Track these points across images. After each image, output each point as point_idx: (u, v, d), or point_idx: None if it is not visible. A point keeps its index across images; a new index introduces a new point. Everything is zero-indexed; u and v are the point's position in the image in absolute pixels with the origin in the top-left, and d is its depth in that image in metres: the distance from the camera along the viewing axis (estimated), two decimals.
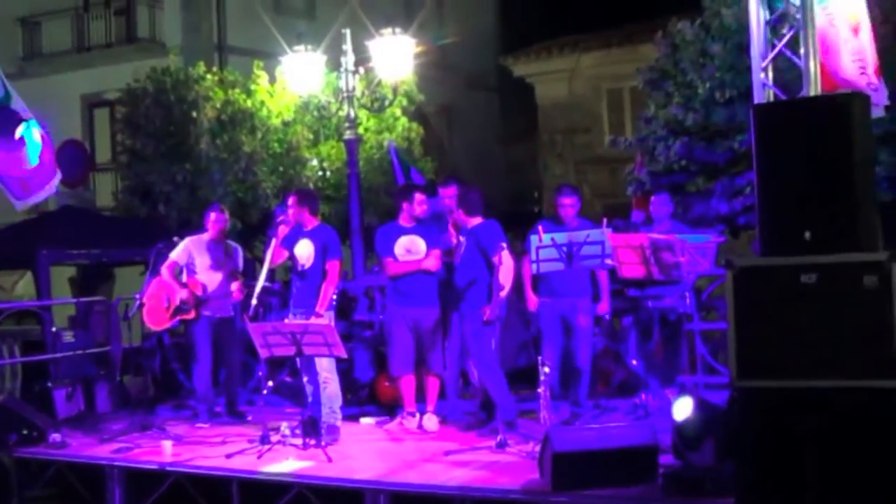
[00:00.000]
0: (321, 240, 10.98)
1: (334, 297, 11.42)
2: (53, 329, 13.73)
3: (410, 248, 11.04)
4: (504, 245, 10.53)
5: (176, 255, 12.08)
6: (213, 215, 12.15)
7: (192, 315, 11.99)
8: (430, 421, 11.01)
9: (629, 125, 24.98)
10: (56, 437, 11.06)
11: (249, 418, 11.87)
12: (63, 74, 27.43)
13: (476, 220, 10.79)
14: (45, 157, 13.33)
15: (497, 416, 10.52)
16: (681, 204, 14.28)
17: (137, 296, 12.19)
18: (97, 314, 14.33)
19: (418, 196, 11.18)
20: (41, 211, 20.96)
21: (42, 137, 13.29)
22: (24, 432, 11.06)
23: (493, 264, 10.53)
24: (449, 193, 11.45)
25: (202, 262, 12.02)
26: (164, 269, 12.10)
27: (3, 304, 15.44)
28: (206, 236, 12.11)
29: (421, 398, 11.23)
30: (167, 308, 12.06)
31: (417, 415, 11.14)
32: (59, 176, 13.50)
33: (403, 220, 11.16)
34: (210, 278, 11.97)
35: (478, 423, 10.94)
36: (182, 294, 11.93)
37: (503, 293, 10.58)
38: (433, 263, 10.99)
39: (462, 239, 10.77)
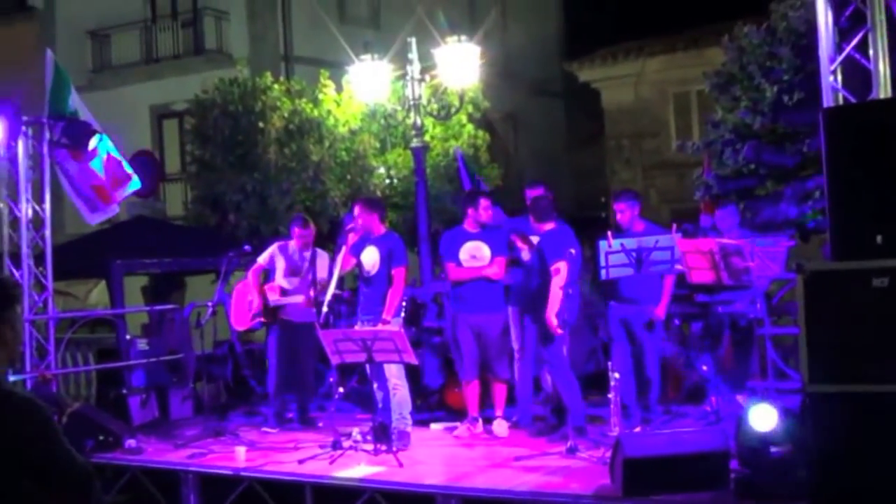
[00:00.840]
0: (387, 246, 11.06)
1: (403, 303, 11.49)
2: (127, 337, 13.91)
3: (475, 254, 11.06)
4: (572, 251, 10.50)
5: (262, 258, 12.29)
6: (295, 230, 12.29)
7: (267, 319, 12.14)
8: (500, 426, 11.04)
9: (696, 129, 24.87)
10: (131, 442, 11.21)
11: (321, 424, 11.96)
12: (132, 86, 27.79)
13: (548, 226, 10.82)
14: (115, 169, 13.48)
15: (567, 422, 10.54)
16: (749, 208, 14.23)
17: (209, 303, 12.33)
18: (170, 322, 14.49)
19: (483, 201, 11.20)
20: (114, 221, 21.27)
21: (111, 151, 13.44)
22: (101, 438, 11.22)
23: (550, 273, 10.58)
24: (535, 194, 11.49)
25: (281, 266, 12.19)
26: (249, 273, 12.29)
27: (78, 313, 15.67)
28: (292, 243, 12.27)
29: (490, 404, 11.27)
30: (249, 310, 12.24)
31: (480, 420, 11.17)
32: (129, 185, 13.62)
33: (469, 226, 11.19)
34: (287, 283, 12.11)
35: (548, 429, 10.96)
36: (256, 299, 12.09)
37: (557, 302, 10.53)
38: (496, 271, 11.00)
39: (532, 246, 10.80)
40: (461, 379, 11.31)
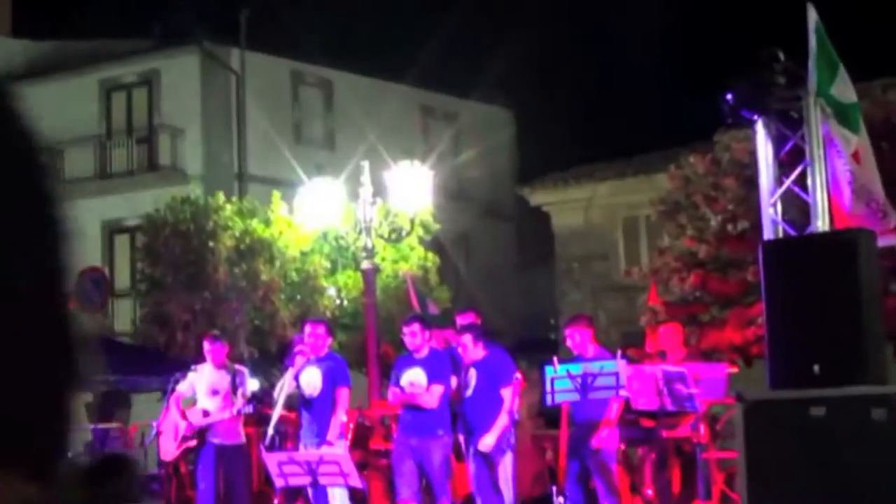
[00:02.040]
0: (328, 367, 11.04)
1: (350, 425, 11.46)
2: (70, 455, 13.75)
3: (413, 381, 11.07)
4: (517, 376, 10.57)
5: (183, 387, 12.22)
6: (206, 345, 12.26)
7: (194, 443, 12.04)
8: None
9: (645, 252, 25.11)
10: None
11: None
12: (85, 200, 27.74)
13: (481, 352, 10.92)
14: None
15: None
16: (694, 334, 14.35)
17: (154, 423, 12.27)
18: (114, 440, 14.39)
19: (404, 328, 11.24)
20: None
21: None
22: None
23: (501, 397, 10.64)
24: (466, 320, 11.58)
25: (201, 388, 12.12)
26: (171, 401, 12.23)
27: None
28: (207, 364, 12.22)
29: None
30: (175, 438, 12.15)
31: None
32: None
33: (413, 351, 11.23)
34: (211, 404, 12.03)
35: None
36: (183, 424, 12.02)
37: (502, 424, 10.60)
38: (429, 400, 10.86)
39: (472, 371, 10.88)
40: (398, 501, 11.27)
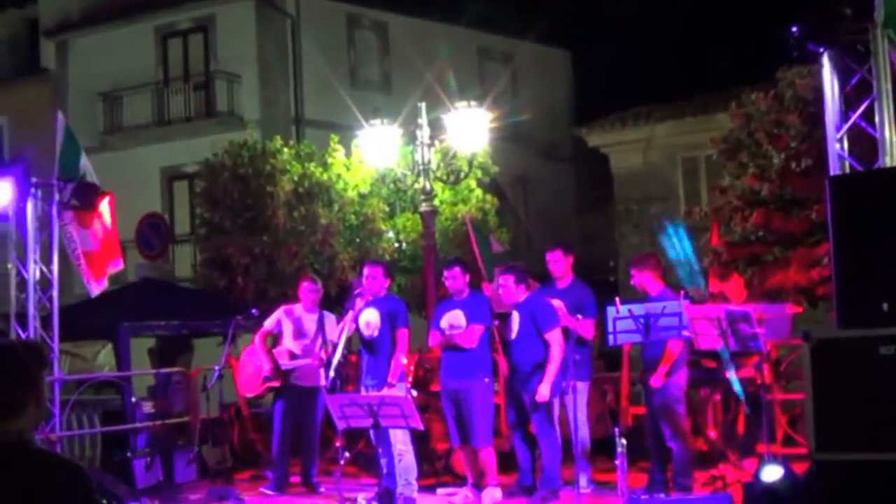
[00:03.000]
0: (387, 308, 11.03)
1: (411, 367, 11.46)
2: (133, 399, 13.88)
3: (453, 323, 11.03)
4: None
5: (268, 323, 12.30)
6: (304, 284, 12.33)
7: (278, 383, 12.12)
8: (488, 496, 10.91)
9: (705, 194, 24.89)
10: None
11: (322, 489, 11.91)
12: (143, 148, 27.97)
13: (522, 295, 10.89)
14: (111, 242, 13.48)
15: (541, 484, 10.75)
16: (757, 275, 14.19)
17: (216, 367, 12.33)
18: (176, 385, 14.47)
19: (445, 271, 11.22)
20: (122, 282, 21.28)
21: (110, 216, 13.42)
22: (105, 502, 11.15)
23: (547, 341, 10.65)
24: (554, 258, 11.52)
25: (288, 330, 12.17)
26: (256, 338, 12.31)
27: (84, 375, 15.64)
28: (298, 306, 12.27)
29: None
30: (258, 375, 12.22)
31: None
32: (114, 265, 13.56)
33: (454, 294, 11.16)
34: (296, 346, 12.08)
35: (521, 490, 11.01)
36: (266, 364, 12.08)
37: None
38: (468, 339, 10.87)
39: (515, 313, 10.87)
40: (452, 445, 11.30)
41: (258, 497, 11.71)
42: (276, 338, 12.38)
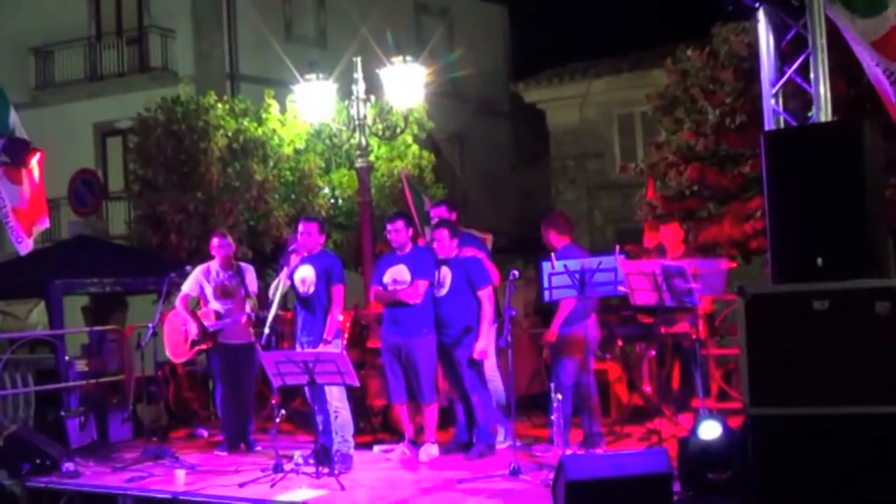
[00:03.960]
0: (322, 265, 10.96)
1: (346, 324, 11.40)
2: (67, 358, 13.73)
3: (396, 277, 11.01)
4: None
5: (187, 286, 12.15)
6: (215, 240, 12.19)
7: (207, 345, 12.03)
8: (426, 451, 10.94)
9: (640, 150, 24.99)
10: (69, 466, 11.07)
11: (258, 447, 11.88)
12: (76, 103, 27.56)
13: (454, 250, 10.97)
14: (38, 198, 13.33)
15: (477, 439, 10.84)
16: (692, 230, 14.26)
17: (150, 324, 12.23)
18: (110, 343, 14.33)
19: (388, 225, 11.18)
20: (55, 239, 21.02)
21: (38, 173, 13.26)
22: (37, 461, 11.06)
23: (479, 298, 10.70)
24: (439, 213, 11.57)
25: (209, 290, 12.06)
26: (178, 303, 12.18)
27: (16, 334, 15.47)
28: (214, 263, 12.15)
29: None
30: (185, 340, 12.11)
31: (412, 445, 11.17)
32: (41, 224, 13.44)
33: (399, 249, 11.15)
34: (220, 305, 11.98)
35: (457, 447, 11.07)
36: (193, 327, 11.98)
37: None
38: (412, 295, 10.84)
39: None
40: (391, 401, 11.31)
41: (199, 458, 11.64)
42: (197, 301, 12.26)
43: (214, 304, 12.02)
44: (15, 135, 12.98)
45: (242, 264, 12.35)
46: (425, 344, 10.85)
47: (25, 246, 13.31)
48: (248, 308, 11.76)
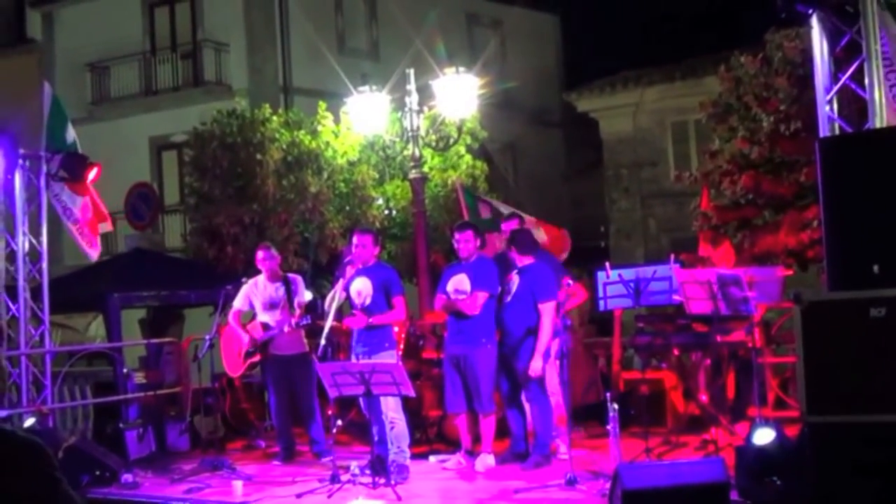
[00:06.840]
0: (380, 277, 10.99)
1: (402, 335, 11.43)
2: (125, 370, 13.87)
3: (458, 287, 11.04)
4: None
5: (238, 302, 12.24)
6: (260, 253, 12.29)
7: (259, 357, 12.11)
8: (482, 462, 10.93)
9: (694, 158, 24.87)
10: (128, 477, 11.17)
11: (326, 458, 11.93)
12: (131, 118, 27.85)
13: (528, 260, 10.86)
14: (97, 202, 13.58)
15: (534, 449, 10.77)
16: (748, 238, 14.18)
17: (207, 336, 12.32)
18: (167, 355, 14.47)
19: (456, 234, 11.21)
20: (112, 253, 21.24)
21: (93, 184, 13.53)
22: (97, 473, 11.17)
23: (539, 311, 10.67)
24: (510, 227, 11.58)
25: (258, 304, 12.15)
26: (230, 318, 12.28)
27: (75, 347, 15.63)
28: (261, 277, 12.23)
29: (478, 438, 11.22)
30: (240, 354, 12.21)
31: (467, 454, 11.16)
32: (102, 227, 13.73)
33: (463, 258, 11.15)
34: (270, 318, 12.06)
35: (513, 457, 11.04)
36: (245, 340, 12.07)
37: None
38: (470, 307, 10.85)
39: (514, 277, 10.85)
40: (448, 412, 11.32)
41: (257, 468, 11.71)
42: (251, 315, 12.36)
43: (263, 317, 12.10)
44: (74, 150, 13.17)
45: (291, 275, 12.41)
46: (485, 354, 10.86)
47: (94, 253, 13.61)
48: (293, 319, 11.81)
